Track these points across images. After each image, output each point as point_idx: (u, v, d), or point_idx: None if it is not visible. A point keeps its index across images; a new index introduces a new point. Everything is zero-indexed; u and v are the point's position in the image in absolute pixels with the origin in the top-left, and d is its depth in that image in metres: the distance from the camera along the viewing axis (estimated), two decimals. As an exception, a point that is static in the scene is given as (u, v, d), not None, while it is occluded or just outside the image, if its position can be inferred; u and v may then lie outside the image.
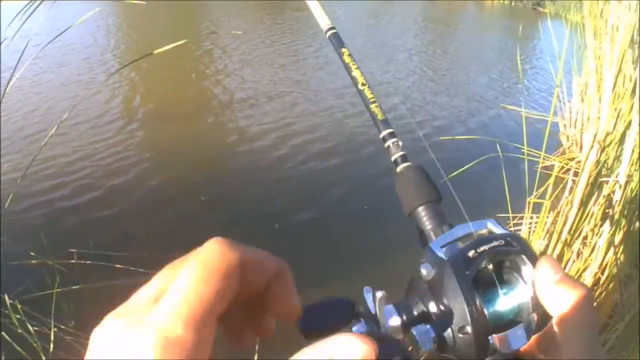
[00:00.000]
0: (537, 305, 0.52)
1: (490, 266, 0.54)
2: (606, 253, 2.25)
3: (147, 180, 4.97)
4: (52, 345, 2.84)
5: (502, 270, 0.55)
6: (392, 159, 0.84)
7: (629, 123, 2.42)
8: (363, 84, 0.93)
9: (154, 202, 4.62)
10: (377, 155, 5.31)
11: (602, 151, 2.62)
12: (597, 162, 2.39)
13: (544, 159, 2.52)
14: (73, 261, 3.45)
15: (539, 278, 0.52)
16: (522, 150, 2.58)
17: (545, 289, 0.51)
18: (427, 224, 0.73)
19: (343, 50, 1.00)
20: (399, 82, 7.44)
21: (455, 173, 3.40)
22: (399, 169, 0.82)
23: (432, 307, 0.54)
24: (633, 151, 2.38)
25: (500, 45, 9.59)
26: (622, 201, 2.27)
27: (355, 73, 0.96)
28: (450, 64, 8.61)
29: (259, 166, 5.33)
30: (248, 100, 7.09)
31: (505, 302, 0.52)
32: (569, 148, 4.88)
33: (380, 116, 0.88)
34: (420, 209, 0.74)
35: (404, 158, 0.83)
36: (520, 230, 2.57)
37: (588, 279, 2.26)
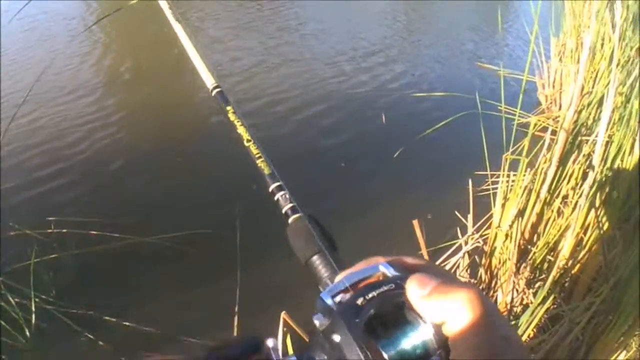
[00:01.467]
0: (440, 339, 0.51)
1: (389, 308, 0.53)
2: (587, 213, 2.27)
3: (123, 145, 4.91)
4: (33, 316, 2.84)
5: (404, 311, 0.54)
6: (283, 211, 0.87)
7: (608, 83, 2.42)
8: (248, 140, 0.98)
9: (130, 167, 4.56)
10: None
11: (580, 111, 2.63)
12: (576, 121, 2.40)
13: (519, 116, 2.52)
14: (50, 230, 3.41)
15: (410, 300, 0.52)
16: (500, 108, 2.57)
17: (418, 308, 0.51)
18: (320, 273, 0.75)
19: (228, 108, 1.04)
20: (375, 42, 7.36)
21: (432, 129, 3.40)
22: (290, 220, 0.84)
23: (332, 358, 0.53)
24: (613, 111, 2.39)
25: (478, 5, 9.51)
26: (602, 161, 2.28)
27: (240, 130, 0.99)
28: (427, 26, 8.55)
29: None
30: (230, 61, 6.99)
31: (409, 342, 0.51)
32: (547, 107, 4.90)
33: (267, 171, 0.94)
34: (314, 258, 0.77)
35: (294, 209, 0.86)
36: (497, 188, 2.58)
37: (570, 239, 2.27)
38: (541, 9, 3.16)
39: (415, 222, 1.41)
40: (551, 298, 2.20)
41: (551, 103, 4.92)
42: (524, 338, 2.05)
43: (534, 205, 2.42)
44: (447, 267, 2.69)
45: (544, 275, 2.49)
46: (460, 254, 2.68)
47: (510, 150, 2.41)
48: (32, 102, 5.50)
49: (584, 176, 2.46)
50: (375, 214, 3.74)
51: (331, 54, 6.94)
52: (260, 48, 7.04)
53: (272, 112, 5.35)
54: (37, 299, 2.89)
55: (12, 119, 3.58)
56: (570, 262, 2.30)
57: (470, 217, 2.80)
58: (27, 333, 2.80)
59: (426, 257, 1.54)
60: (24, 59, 6.74)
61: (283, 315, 1.60)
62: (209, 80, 1.19)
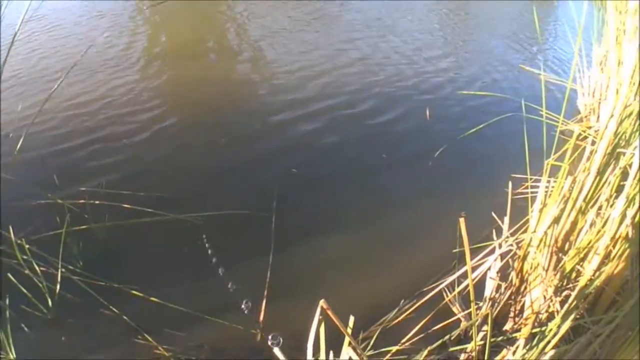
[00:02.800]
0: None
1: None
2: (619, 227, 2.24)
3: (164, 121, 4.91)
4: (58, 286, 2.86)
5: None
6: None
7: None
8: None
9: (169, 144, 4.56)
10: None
11: (620, 123, 2.59)
12: (616, 133, 2.37)
13: (562, 123, 2.50)
14: (84, 201, 3.41)
15: None
16: (541, 112, 2.56)
17: None
18: None
19: None
20: (419, 42, 7.32)
21: (474, 129, 3.38)
22: None
23: None
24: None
25: (519, 11, 9.44)
26: (638, 176, 2.25)
27: None
28: (469, 28, 8.49)
29: (281, 107, 5.23)
30: (271, 41, 7.04)
31: None
32: (586, 116, 4.85)
33: None
34: None
35: None
36: (534, 192, 2.56)
37: (600, 251, 2.25)
38: (580, 12, 3.13)
39: (461, 220, 1.39)
40: (576, 309, 2.18)
41: (590, 112, 4.86)
42: (548, 347, 2.03)
43: (569, 213, 2.40)
44: (480, 269, 2.68)
45: (571, 285, 2.47)
46: (495, 255, 2.67)
47: (551, 156, 2.39)
48: (78, 72, 5.63)
49: (619, 189, 2.43)
50: (412, 208, 3.72)
51: (388, 52, 6.91)
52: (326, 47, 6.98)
53: (321, 102, 5.34)
54: (63, 269, 2.90)
55: (58, 84, 3.59)
56: (598, 274, 2.28)
57: (507, 219, 2.78)
58: (50, 303, 2.81)
59: (468, 255, 1.52)
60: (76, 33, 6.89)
61: (322, 303, 1.59)
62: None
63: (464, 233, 1.45)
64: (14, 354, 2.30)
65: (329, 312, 1.55)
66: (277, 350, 2.39)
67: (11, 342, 2.33)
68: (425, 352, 2.26)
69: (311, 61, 6.39)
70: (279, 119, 5.01)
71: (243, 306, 2.91)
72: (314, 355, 1.95)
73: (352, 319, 1.63)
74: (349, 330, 1.61)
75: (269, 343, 2.43)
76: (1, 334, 2.33)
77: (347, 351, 1.65)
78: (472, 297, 1.71)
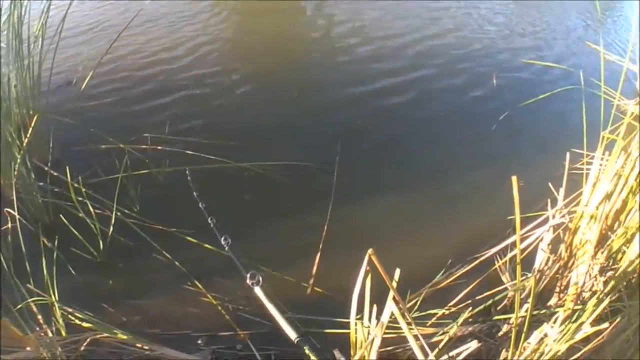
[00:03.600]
0: None
1: None
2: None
3: (233, 73, 4.95)
4: (111, 229, 2.94)
5: None
6: None
7: None
8: None
9: (239, 93, 4.61)
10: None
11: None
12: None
13: (619, 100, 2.47)
14: (146, 146, 3.50)
15: None
16: (600, 87, 2.53)
17: None
18: None
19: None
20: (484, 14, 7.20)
21: (534, 99, 3.34)
22: None
23: None
24: None
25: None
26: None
27: None
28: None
29: (354, 61, 5.29)
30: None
31: None
32: (643, 98, 4.75)
33: None
34: None
35: None
36: (589, 168, 2.54)
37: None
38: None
39: (514, 178, 1.39)
40: (617, 291, 2.17)
41: (650, 94, 4.75)
42: (585, 325, 2.02)
43: (621, 191, 2.37)
44: (531, 239, 2.67)
45: (616, 265, 2.45)
46: (547, 226, 2.65)
47: (607, 130, 2.37)
48: (144, 23, 5.75)
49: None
50: (472, 173, 3.74)
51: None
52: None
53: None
54: (119, 213, 2.98)
55: (120, 32, 3.64)
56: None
57: (562, 191, 2.76)
58: (101, 246, 2.89)
59: (518, 218, 1.52)
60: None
61: (370, 252, 1.61)
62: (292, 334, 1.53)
63: (516, 192, 1.45)
64: (56, 296, 2.33)
65: (376, 263, 1.56)
66: (257, 290, 2.38)
67: (55, 284, 2.36)
68: (467, 315, 2.27)
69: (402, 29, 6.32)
70: (354, 73, 5.05)
71: (298, 257, 2.96)
72: (358, 310, 1.97)
73: (397, 271, 1.63)
74: (394, 284, 1.63)
75: (249, 283, 2.42)
76: (45, 277, 2.36)
77: (390, 305, 1.67)
78: (518, 268, 1.70)
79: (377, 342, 1.76)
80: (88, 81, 3.67)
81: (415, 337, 1.76)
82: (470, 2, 7.42)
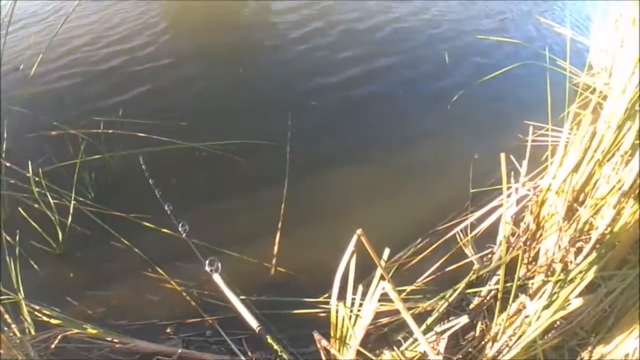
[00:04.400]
0: None
1: None
2: (633, 184, 2.25)
3: (180, 52, 4.83)
4: (69, 219, 2.83)
5: None
6: None
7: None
8: None
9: (188, 73, 4.50)
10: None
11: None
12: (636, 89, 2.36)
13: (571, 74, 2.51)
14: (98, 130, 3.37)
15: None
16: (558, 64, 2.57)
17: None
18: None
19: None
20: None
21: (490, 75, 3.36)
22: None
23: None
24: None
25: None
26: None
27: None
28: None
29: (296, 40, 5.15)
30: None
31: None
32: (598, 73, 4.82)
33: None
34: None
35: None
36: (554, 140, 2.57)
37: (612, 205, 2.26)
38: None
39: (502, 155, 1.38)
40: (594, 263, 2.20)
41: (602, 70, 4.83)
42: (572, 296, 2.04)
43: (588, 163, 2.40)
44: (496, 212, 2.70)
45: (584, 237, 2.48)
46: (513, 199, 2.68)
47: (575, 105, 2.40)
48: (91, 7, 5.54)
49: (634, 147, 2.43)
50: (430, 148, 3.72)
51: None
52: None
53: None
54: (75, 201, 2.88)
55: (66, 18, 3.53)
56: (610, 229, 2.29)
57: (525, 164, 2.78)
58: (60, 237, 2.79)
59: (506, 191, 1.51)
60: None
61: (359, 233, 1.57)
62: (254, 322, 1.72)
63: (504, 169, 1.44)
64: (22, 294, 2.24)
65: (366, 243, 1.54)
66: (216, 277, 2.35)
67: (19, 282, 2.29)
68: (440, 295, 2.28)
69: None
70: (295, 50, 4.98)
71: (257, 236, 2.91)
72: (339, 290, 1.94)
73: (387, 251, 1.61)
74: (383, 263, 1.60)
75: (207, 269, 2.39)
76: (11, 275, 2.29)
77: (382, 285, 1.64)
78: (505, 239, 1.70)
79: (368, 320, 1.73)
80: (36, 67, 3.56)
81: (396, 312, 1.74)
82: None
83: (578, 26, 6.15)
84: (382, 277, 1.61)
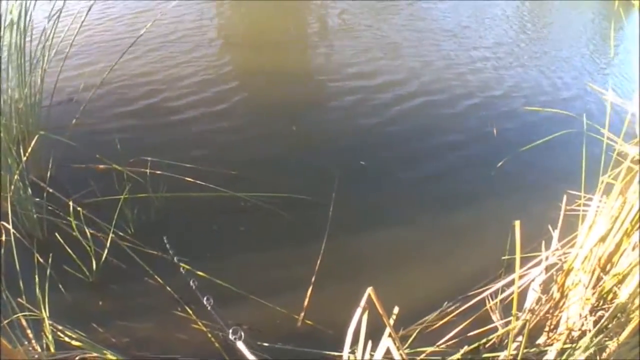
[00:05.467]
0: None
1: None
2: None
3: (236, 103, 4.97)
4: (105, 251, 2.91)
5: None
6: None
7: None
8: None
9: (239, 125, 4.61)
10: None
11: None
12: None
13: (612, 142, 2.51)
14: (145, 169, 3.46)
15: None
16: (602, 132, 2.58)
17: None
18: None
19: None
20: (489, 50, 7.23)
21: (532, 144, 3.36)
22: None
23: None
24: None
25: (593, 26, 9.31)
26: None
27: None
28: (541, 37, 8.33)
29: (350, 101, 5.27)
30: (346, 34, 7.14)
31: None
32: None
33: None
34: None
35: None
36: (585, 210, 2.56)
37: (638, 275, 2.24)
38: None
39: (516, 223, 1.41)
40: (606, 330, 2.19)
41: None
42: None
43: (615, 234, 2.40)
44: (525, 278, 2.69)
45: (606, 306, 2.47)
46: (541, 267, 2.67)
47: (607, 175, 2.40)
48: (148, 48, 5.78)
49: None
50: (464, 211, 3.78)
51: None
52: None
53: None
54: (113, 235, 2.96)
55: (122, 54, 3.66)
56: (632, 298, 2.27)
57: (557, 232, 2.78)
58: (94, 266, 2.87)
59: (518, 261, 1.54)
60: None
61: (370, 290, 1.62)
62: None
63: (518, 237, 1.46)
64: (46, 312, 2.33)
65: (376, 301, 1.58)
66: (240, 345, 2.39)
67: (46, 300, 2.37)
68: (458, 355, 2.27)
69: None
70: (348, 111, 5.09)
71: (290, 289, 2.95)
72: (351, 345, 1.98)
73: (396, 309, 1.65)
74: (392, 322, 1.64)
75: (231, 338, 2.43)
76: (37, 292, 2.37)
77: (385, 342, 1.68)
78: (514, 306, 1.72)
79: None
80: (90, 99, 3.69)
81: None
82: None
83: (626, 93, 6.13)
84: (390, 335, 1.64)
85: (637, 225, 2.40)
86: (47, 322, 2.30)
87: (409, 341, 2.47)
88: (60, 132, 3.51)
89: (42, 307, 2.34)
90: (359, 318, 1.81)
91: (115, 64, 3.80)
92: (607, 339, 2.21)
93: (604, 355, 2.20)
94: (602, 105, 5.44)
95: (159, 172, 3.51)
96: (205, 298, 2.68)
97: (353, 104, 5.18)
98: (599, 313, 2.45)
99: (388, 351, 1.78)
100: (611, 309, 2.21)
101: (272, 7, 7.86)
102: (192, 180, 3.53)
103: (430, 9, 8.74)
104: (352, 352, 2.01)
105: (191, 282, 2.80)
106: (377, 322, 1.74)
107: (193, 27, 6.69)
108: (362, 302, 1.74)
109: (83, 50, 5.54)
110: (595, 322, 2.36)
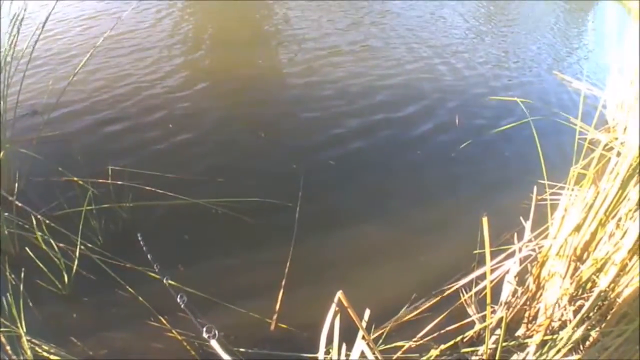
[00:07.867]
0: None
1: None
2: (637, 240, 2.23)
3: (199, 109, 4.93)
4: (75, 263, 2.87)
5: None
6: None
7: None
8: None
9: (204, 132, 4.56)
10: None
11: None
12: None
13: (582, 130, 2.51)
14: (107, 181, 3.42)
15: None
16: (569, 120, 2.57)
17: None
18: None
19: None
20: (454, 44, 7.30)
21: (498, 129, 3.36)
22: None
23: None
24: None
25: (556, 16, 9.41)
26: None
27: None
28: (506, 29, 8.41)
29: (317, 100, 5.30)
30: (310, 38, 7.10)
31: None
32: (613, 127, 4.80)
33: None
34: None
35: None
36: (556, 199, 2.55)
37: (616, 263, 2.23)
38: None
39: (484, 219, 1.39)
40: (588, 319, 2.18)
41: (617, 124, 4.81)
42: (558, 356, 2.03)
43: (590, 223, 2.38)
44: (498, 271, 2.67)
45: (585, 295, 2.46)
46: (514, 259, 2.66)
47: (578, 164, 2.39)
48: (109, 55, 5.73)
49: (640, 203, 2.41)
50: (436, 207, 3.77)
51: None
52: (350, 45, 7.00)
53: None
54: (82, 247, 2.92)
55: (84, 62, 3.61)
56: (612, 285, 2.26)
57: (529, 224, 2.77)
58: (66, 279, 2.83)
59: (488, 256, 1.52)
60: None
61: (340, 294, 1.59)
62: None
63: (487, 233, 1.44)
64: (24, 328, 2.30)
65: (346, 304, 1.55)
66: (214, 343, 2.37)
67: (22, 316, 2.34)
68: (437, 352, 2.26)
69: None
70: (315, 111, 5.10)
71: (260, 293, 2.93)
72: (326, 347, 1.96)
73: (367, 312, 1.63)
74: (364, 324, 1.61)
75: (205, 336, 2.41)
76: (13, 309, 2.34)
77: (360, 344, 1.65)
78: (488, 300, 1.70)
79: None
80: (52, 110, 3.64)
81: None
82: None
83: (599, 80, 6.17)
84: (363, 338, 1.62)
85: (612, 215, 2.39)
86: (24, 338, 2.27)
87: (383, 337, 2.49)
88: (26, 146, 3.47)
89: (18, 323, 2.31)
90: (331, 321, 1.79)
91: (73, 76, 3.74)
92: (589, 327, 2.21)
93: (587, 344, 2.21)
94: (573, 95, 5.48)
95: (120, 182, 3.46)
96: (179, 296, 2.64)
97: (316, 100, 5.25)
98: (579, 302, 2.44)
99: (364, 350, 1.77)
100: (592, 298, 2.20)
101: (232, 8, 7.95)
102: (154, 189, 3.48)
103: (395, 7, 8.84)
104: (327, 352, 1.98)
105: (164, 280, 2.75)
106: (351, 322, 1.72)
107: (154, 31, 6.68)
108: (333, 306, 1.72)
109: (42, 58, 5.47)
110: (575, 312, 2.36)
